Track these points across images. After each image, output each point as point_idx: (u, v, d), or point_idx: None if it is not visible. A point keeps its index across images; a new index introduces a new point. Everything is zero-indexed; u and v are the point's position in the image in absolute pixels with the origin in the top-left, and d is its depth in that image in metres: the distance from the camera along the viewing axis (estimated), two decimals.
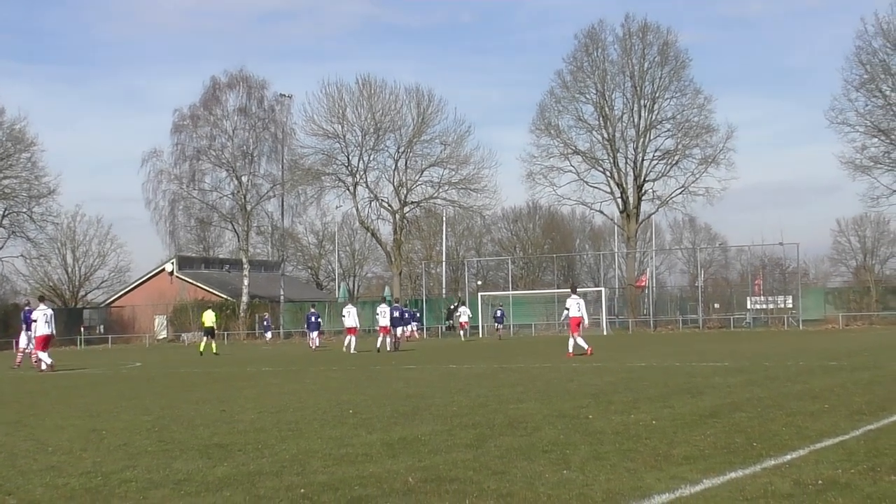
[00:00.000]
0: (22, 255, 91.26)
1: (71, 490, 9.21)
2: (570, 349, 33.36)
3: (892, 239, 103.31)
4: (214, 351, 47.67)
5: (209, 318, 50.03)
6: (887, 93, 71.63)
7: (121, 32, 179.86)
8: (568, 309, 34.76)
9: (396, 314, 46.07)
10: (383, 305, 47.56)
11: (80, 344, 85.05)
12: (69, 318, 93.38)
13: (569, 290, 37.43)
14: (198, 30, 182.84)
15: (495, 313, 69.26)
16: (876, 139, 72.30)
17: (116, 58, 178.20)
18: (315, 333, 54.29)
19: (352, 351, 44.03)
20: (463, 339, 62.64)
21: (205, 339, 49.32)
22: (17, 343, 41.25)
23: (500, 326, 68.14)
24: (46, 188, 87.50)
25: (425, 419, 13.92)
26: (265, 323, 75.15)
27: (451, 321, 73.71)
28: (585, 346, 33.12)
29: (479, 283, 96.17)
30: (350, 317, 46.15)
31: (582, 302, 35.46)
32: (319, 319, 56.43)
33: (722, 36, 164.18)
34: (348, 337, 45.73)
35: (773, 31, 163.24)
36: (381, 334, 46.20)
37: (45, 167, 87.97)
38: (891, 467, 9.05)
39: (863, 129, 72.39)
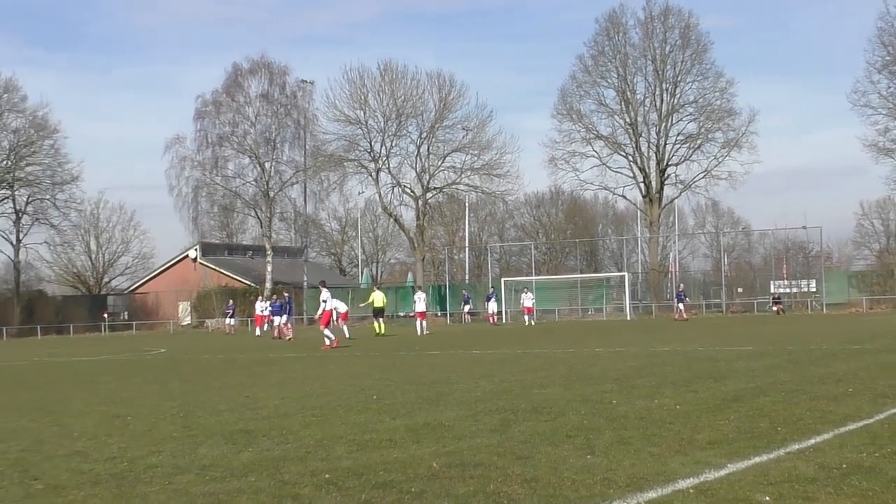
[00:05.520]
0: (46, 242, 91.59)
1: (96, 475, 9.26)
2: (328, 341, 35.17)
3: None
4: (379, 332, 47.28)
5: (378, 298, 49.43)
6: None
7: (143, 20, 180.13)
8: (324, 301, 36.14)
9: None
10: (420, 292, 51.12)
11: (105, 330, 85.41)
12: (93, 305, 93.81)
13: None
14: (220, 16, 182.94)
15: (488, 297, 68.92)
16: None
17: (139, 45, 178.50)
18: (282, 319, 52.51)
19: (425, 332, 46.84)
20: (527, 323, 62.12)
21: (376, 321, 48.95)
22: None
23: (494, 312, 66.86)
24: (69, 175, 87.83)
25: (449, 404, 13.94)
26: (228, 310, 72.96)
27: (469, 308, 73.48)
28: (333, 338, 35.23)
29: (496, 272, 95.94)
30: (420, 302, 49.57)
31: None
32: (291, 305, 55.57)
33: (743, 18, 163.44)
34: (419, 321, 48.44)
35: (794, 13, 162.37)
36: (418, 319, 48.71)
37: (67, 154, 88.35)
38: None
39: (885, 112, 71.96)
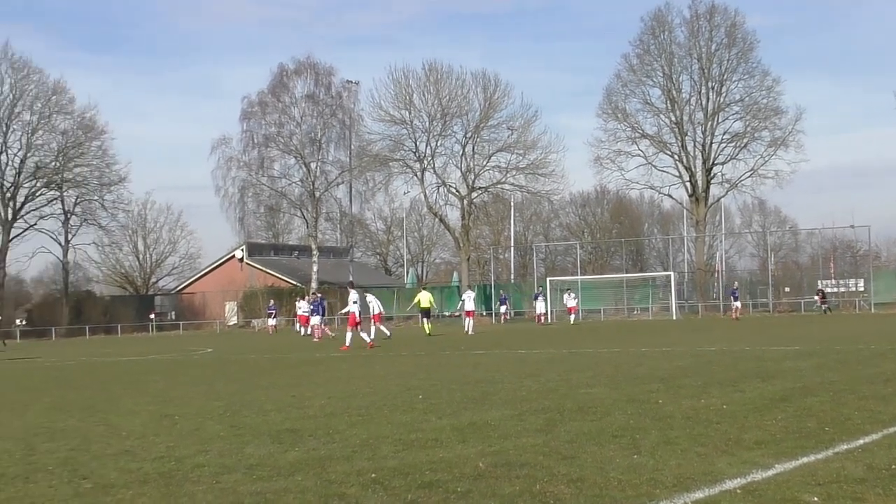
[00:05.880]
0: (94, 243, 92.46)
1: (144, 474, 9.32)
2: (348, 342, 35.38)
3: None
4: (428, 332, 47.47)
5: (425, 299, 49.39)
6: None
7: (189, 22, 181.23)
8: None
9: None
10: (469, 291, 51.86)
11: (152, 330, 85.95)
12: (140, 305, 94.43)
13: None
14: (266, 18, 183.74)
15: (535, 296, 68.65)
16: None
17: (185, 47, 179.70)
18: (318, 319, 52.18)
19: (468, 331, 47.27)
20: (572, 322, 62.01)
21: (423, 321, 49.22)
22: None
23: (542, 312, 65.86)
24: (117, 176, 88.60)
25: (495, 404, 13.93)
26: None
27: (506, 308, 73.32)
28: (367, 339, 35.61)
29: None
30: (469, 301, 50.02)
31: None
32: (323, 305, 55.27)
33: (790, 17, 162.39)
34: (468, 319, 48.82)
35: (841, 11, 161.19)
36: (467, 318, 49.10)
37: (115, 155, 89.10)
38: None
39: None
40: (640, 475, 8.29)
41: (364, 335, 35.49)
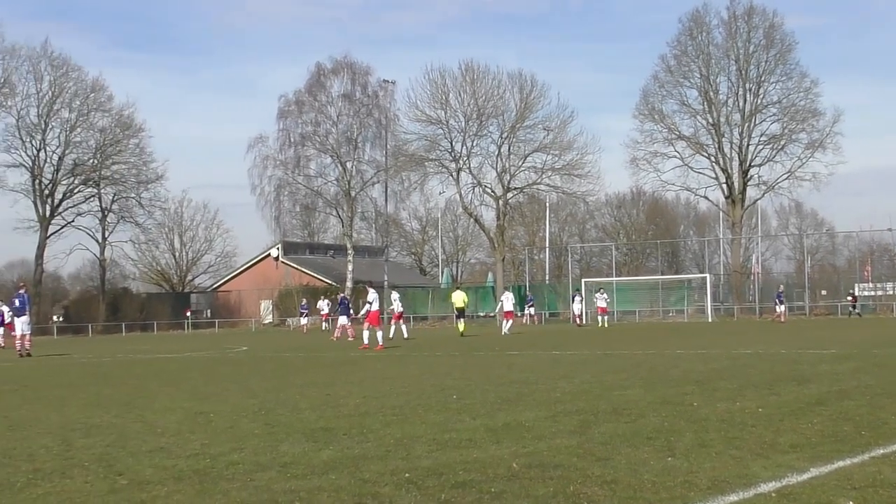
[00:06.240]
0: (131, 240, 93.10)
1: (179, 471, 9.37)
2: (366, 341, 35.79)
3: None
4: (461, 332, 47.32)
5: (459, 298, 49.55)
6: None
7: (225, 21, 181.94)
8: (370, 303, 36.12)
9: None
10: (508, 292, 51.49)
11: (188, 328, 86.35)
12: (176, 303, 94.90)
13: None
14: (304, 17, 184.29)
15: (573, 297, 68.44)
16: None
17: (221, 46, 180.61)
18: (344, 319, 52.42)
19: (505, 332, 46.94)
20: (605, 324, 61.81)
21: (457, 321, 49.09)
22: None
23: (579, 313, 64.81)
24: (154, 174, 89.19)
25: (529, 405, 13.92)
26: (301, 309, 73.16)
27: (532, 310, 73.12)
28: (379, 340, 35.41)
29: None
30: (508, 301, 49.55)
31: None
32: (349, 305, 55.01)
33: (828, 18, 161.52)
34: (507, 321, 48.56)
35: (880, 13, 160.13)
36: (505, 319, 48.91)
37: (152, 153, 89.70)
38: None
39: None
40: (675, 477, 8.27)
41: (379, 334, 35.51)
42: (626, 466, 8.85)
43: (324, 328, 62.21)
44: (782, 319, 58.64)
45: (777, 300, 61.42)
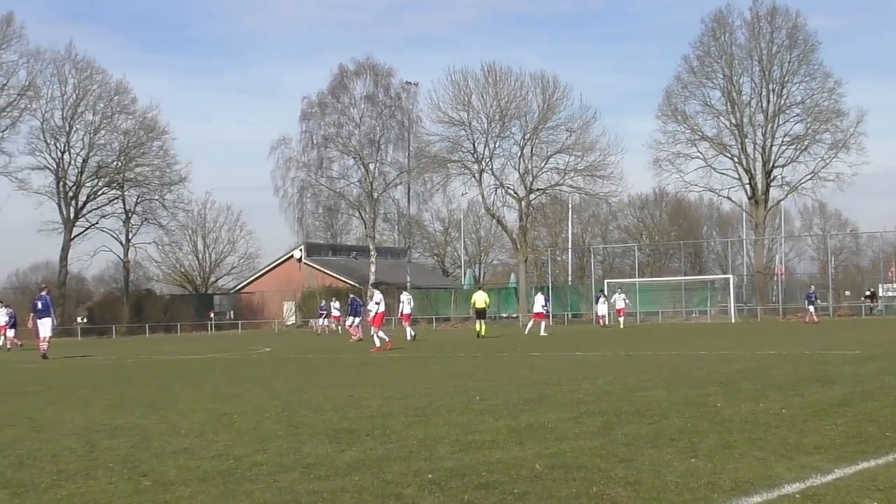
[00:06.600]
0: (154, 242, 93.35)
1: (203, 472, 9.39)
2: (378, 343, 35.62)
3: None
4: (481, 333, 47.28)
5: (480, 299, 49.45)
6: None
7: (252, 23, 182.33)
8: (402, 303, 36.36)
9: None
10: (540, 295, 51.61)
11: (211, 329, 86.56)
12: (200, 304, 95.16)
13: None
14: (326, 19, 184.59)
15: (596, 298, 68.27)
16: None
17: (244, 48, 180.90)
18: (352, 320, 51.55)
19: (537, 332, 46.95)
20: (622, 325, 61.60)
21: (477, 322, 48.88)
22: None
23: (604, 314, 64.60)
24: (178, 175, 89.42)
25: (551, 406, 13.91)
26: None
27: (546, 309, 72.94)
28: (387, 339, 35.72)
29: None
30: (538, 304, 49.56)
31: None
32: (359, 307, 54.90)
33: (851, 18, 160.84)
34: (537, 322, 48.66)
35: None
36: (536, 320, 49.08)
37: (176, 155, 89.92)
38: None
39: None
40: (698, 479, 8.26)
41: (382, 336, 35.54)
42: (650, 467, 8.84)
43: (335, 330, 62.32)
44: (815, 320, 58.35)
45: (808, 300, 61.17)
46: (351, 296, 55.72)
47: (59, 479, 9.29)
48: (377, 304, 36.17)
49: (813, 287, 65.86)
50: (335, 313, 65.51)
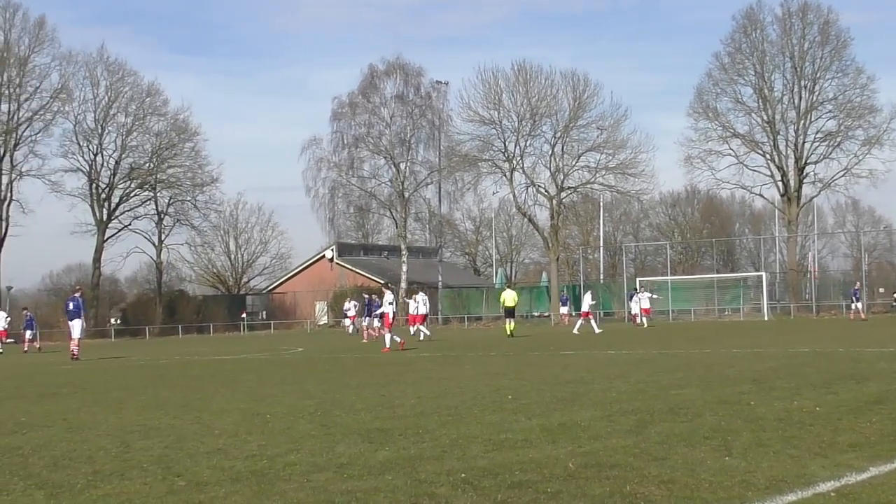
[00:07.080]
0: (187, 243, 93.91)
1: (237, 472, 9.42)
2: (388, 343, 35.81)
3: None
4: (509, 332, 47.15)
5: (509, 298, 49.38)
6: None
7: (283, 24, 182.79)
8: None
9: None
10: (589, 293, 52.42)
11: (243, 329, 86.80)
12: (232, 304, 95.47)
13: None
14: (356, 20, 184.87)
15: (630, 296, 68.12)
16: None
17: (275, 49, 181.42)
18: (366, 320, 52.01)
19: (590, 331, 46.76)
20: (646, 325, 61.30)
21: (506, 320, 48.89)
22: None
23: (637, 313, 64.04)
24: (209, 177, 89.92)
25: (584, 405, 13.89)
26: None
27: (567, 309, 72.69)
28: (398, 339, 35.76)
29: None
30: (586, 302, 49.94)
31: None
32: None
33: (884, 14, 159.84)
34: (587, 321, 48.63)
35: None
36: (585, 318, 49.10)
37: (207, 156, 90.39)
38: None
39: None
40: (732, 477, 8.23)
41: (395, 338, 35.57)
42: (683, 466, 8.82)
43: (350, 331, 62.35)
44: (862, 317, 58.03)
45: (854, 297, 60.95)
46: (366, 295, 55.78)
47: (95, 480, 9.34)
48: (390, 304, 36.20)
49: (858, 284, 65.44)
50: (352, 313, 65.59)
